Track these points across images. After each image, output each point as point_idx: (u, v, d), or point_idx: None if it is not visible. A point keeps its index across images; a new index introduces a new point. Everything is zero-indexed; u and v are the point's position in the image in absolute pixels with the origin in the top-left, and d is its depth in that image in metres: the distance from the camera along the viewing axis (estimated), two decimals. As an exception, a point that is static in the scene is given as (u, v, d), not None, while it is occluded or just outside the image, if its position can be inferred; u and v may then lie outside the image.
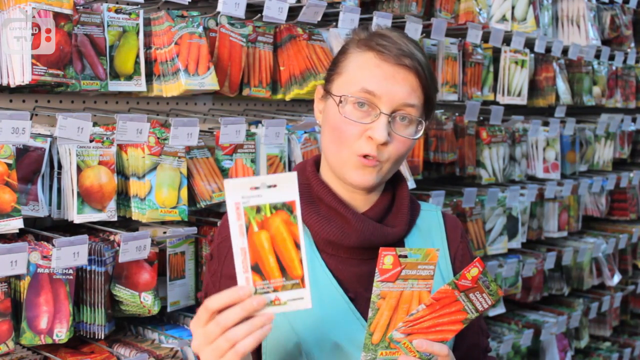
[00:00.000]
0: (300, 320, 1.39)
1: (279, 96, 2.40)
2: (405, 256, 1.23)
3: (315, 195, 1.47)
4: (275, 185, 1.14)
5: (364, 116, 1.39)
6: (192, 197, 2.13)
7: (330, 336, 1.40)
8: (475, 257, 1.29)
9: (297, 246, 1.16)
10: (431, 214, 1.58)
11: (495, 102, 3.26)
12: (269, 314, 1.15)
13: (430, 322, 1.25)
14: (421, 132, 1.44)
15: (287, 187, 1.15)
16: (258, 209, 1.14)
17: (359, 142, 1.39)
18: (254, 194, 1.14)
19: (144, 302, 1.99)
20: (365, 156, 1.38)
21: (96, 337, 1.92)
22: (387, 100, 1.38)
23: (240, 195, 1.14)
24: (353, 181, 1.41)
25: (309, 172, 1.50)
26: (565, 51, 3.60)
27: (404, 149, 1.42)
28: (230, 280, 1.44)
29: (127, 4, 2.11)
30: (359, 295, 1.43)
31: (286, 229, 1.15)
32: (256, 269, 1.16)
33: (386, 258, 1.22)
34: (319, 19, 2.34)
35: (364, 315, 1.38)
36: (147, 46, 2.08)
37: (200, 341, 1.16)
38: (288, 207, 1.15)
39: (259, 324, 1.14)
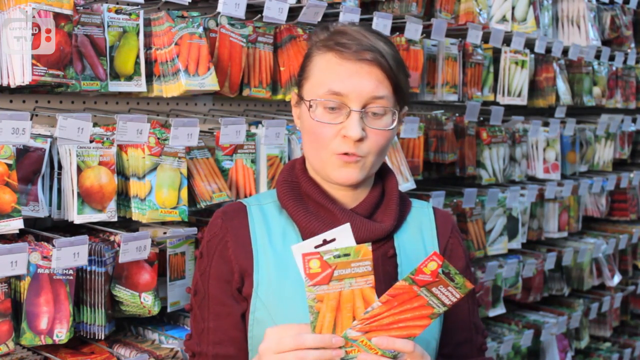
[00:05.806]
0: (285, 320, 1.38)
1: (279, 96, 2.40)
2: (336, 256, 1.20)
3: (304, 192, 1.48)
4: (334, 239, 1.23)
5: (335, 117, 1.40)
6: (192, 198, 2.13)
7: None
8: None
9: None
10: (422, 210, 1.57)
11: (495, 103, 3.25)
12: None
13: (391, 319, 1.21)
14: (396, 122, 1.43)
15: (345, 237, 1.24)
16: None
17: (335, 142, 1.40)
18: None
19: (144, 302, 1.99)
20: (344, 154, 1.39)
21: (96, 337, 1.92)
22: (355, 97, 1.38)
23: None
24: (337, 180, 1.42)
25: (298, 170, 1.51)
26: (565, 52, 3.60)
27: (383, 140, 1.42)
28: (218, 280, 1.45)
29: (127, 4, 2.11)
30: None
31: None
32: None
33: (311, 262, 1.19)
34: (319, 19, 2.34)
35: None
36: (147, 47, 2.08)
37: (271, 347, 1.24)
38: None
39: None
